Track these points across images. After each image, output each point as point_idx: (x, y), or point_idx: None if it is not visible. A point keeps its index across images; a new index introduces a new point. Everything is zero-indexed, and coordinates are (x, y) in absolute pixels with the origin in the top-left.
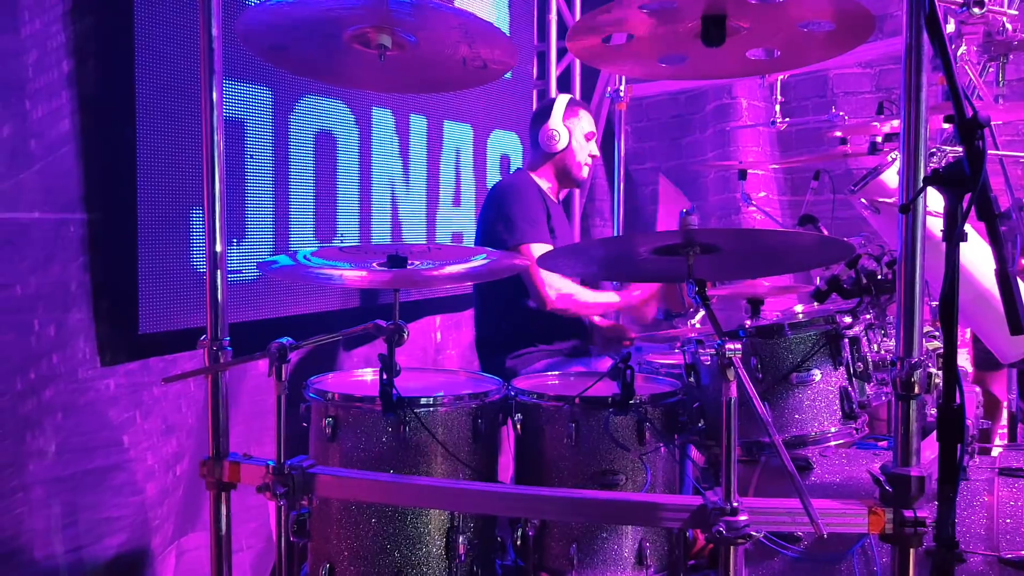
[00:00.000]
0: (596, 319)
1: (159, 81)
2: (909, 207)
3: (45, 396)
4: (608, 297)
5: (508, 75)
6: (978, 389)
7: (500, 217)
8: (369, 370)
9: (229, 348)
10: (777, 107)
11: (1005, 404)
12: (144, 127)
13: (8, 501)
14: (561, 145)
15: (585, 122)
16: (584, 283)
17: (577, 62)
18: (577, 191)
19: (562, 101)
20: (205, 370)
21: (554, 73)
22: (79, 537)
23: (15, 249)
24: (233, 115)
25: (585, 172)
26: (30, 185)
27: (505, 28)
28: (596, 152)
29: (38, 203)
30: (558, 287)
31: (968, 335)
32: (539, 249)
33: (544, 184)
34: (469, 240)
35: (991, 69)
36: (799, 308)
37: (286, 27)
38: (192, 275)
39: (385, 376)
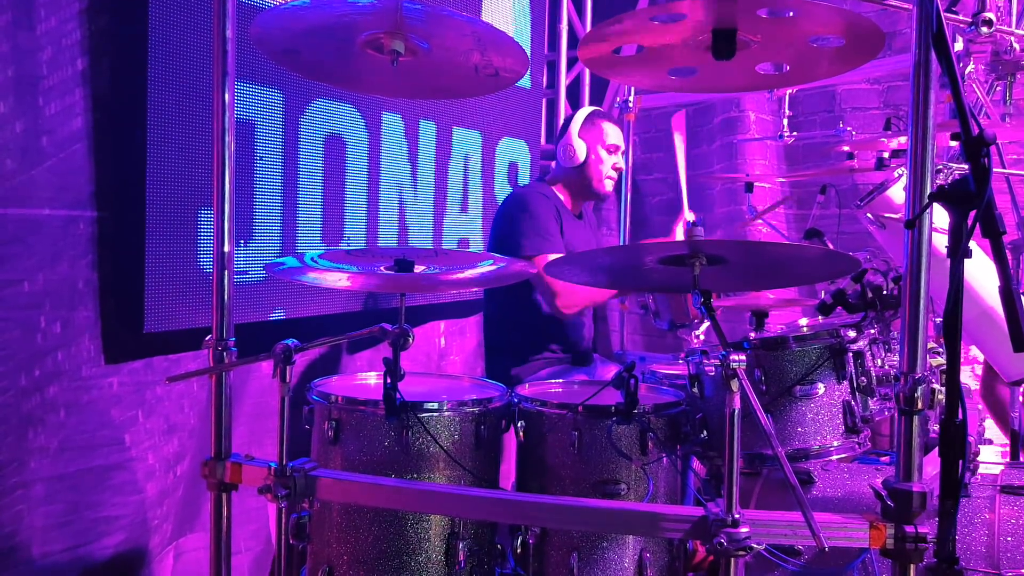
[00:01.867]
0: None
1: (171, 81)
2: (915, 223)
3: (49, 393)
4: None
5: (528, 84)
6: (980, 406)
7: (512, 233)
8: (373, 374)
9: (234, 349)
10: (785, 121)
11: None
12: (155, 126)
13: (8, 498)
14: (579, 159)
15: (607, 134)
16: None
17: (587, 71)
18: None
19: (581, 114)
20: (210, 370)
21: (564, 82)
22: (78, 535)
23: (24, 246)
24: (244, 117)
25: (608, 185)
26: (41, 182)
27: (524, 37)
28: (621, 165)
29: (48, 200)
30: (567, 290)
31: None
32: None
33: (561, 197)
34: (476, 247)
35: (998, 88)
36: (803, 321)
37: (300, 31)
38: (199, 275)
39: (389, 380)
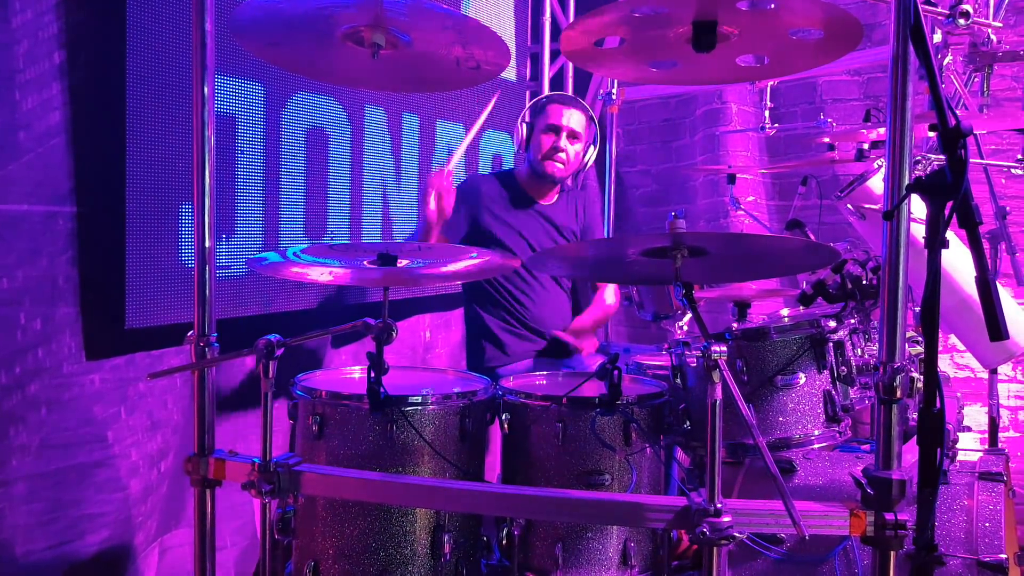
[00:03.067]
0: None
1: (150, 74)
2: (893, 213)
3: (30, 391)
4: None
5: (511, 77)
6: (959, 394)
7: None
8: (357, 368)
9: (216, 344)
10: (766, 112)
11: None
12: (134, 121)
13: None
14: (522, 143)
15: (547, 115)
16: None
17: (570, 64)
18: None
19: (534, 100)
20: (192, 366)
21: (547, 74)
22: (61, 533)
23: (2, 242)
24: (225, 110)
25: (553, 168)
26: (19, 177)
27: (507, 30)
28: (565, 146)
29: (26, 195)
30: None
31: None
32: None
33: (520, 183)
34: None
35: (976, 79)
36: (785, 312)
37: (280, 23)
38: (180, 270)
39: (373, 374)
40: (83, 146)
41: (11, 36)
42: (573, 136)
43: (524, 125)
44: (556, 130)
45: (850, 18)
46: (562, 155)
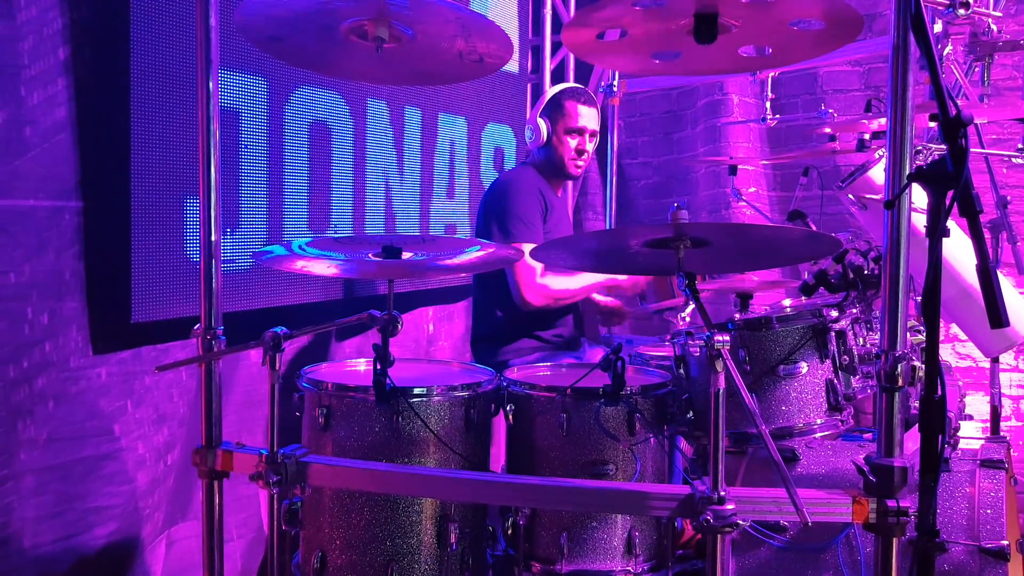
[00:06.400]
0: (595, 297)
1: (155, 69)
2: (894, 203)
3: (37, 385)
4: (592, 277)
5: (513, 69)
6: (960, 383)
7: (494, 215)
8: (362, 360)
9: (223, 337)
10: (768, 104)
11: None
12: (139, 115)
13: None
14: (542, 139)
15: (569, 116)
16: None
17: (571, 56)
18: (569, 185)
19: (550, 92)
20: (199, 359)
21: (548, 67)
22: (69, 526)
23: (9, 237)
24: (228, 104)
25: (579, 168)
26: (25, 172)
27: (509, 22)
28: (587, 148)
29: (32, 190)
30: (538, 287)
31: None
32: (528, 249)
33: (542, 178)
34: (463, 232)
35: (976, 69)
36: (787, 302)
37: (284, 18)
38: (186, 264)
39: (379, 366)
40: (88, 141)
41: (16, 32)
42: (593, 136)
43: (544, 120)
44: (580, 132)
45: (849, 10)
46: (585, 156)
